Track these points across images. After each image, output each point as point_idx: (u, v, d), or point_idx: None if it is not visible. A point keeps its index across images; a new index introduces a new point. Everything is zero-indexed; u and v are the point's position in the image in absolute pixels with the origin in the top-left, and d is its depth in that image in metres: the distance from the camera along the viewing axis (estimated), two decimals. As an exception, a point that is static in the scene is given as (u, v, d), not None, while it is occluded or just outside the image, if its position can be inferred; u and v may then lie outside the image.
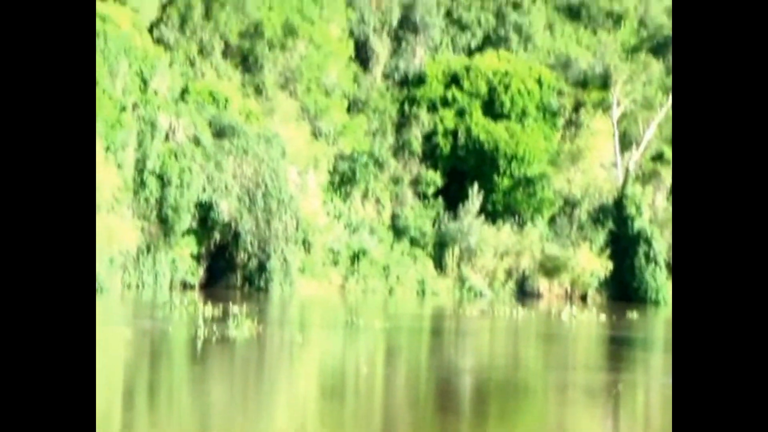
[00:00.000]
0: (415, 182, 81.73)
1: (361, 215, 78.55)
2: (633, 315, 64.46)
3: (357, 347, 43.23)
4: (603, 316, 61.50)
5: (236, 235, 67.70)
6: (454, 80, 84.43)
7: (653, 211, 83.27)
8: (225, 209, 66.88)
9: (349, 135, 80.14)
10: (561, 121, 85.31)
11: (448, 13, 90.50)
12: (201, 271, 68.30)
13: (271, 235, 67.94)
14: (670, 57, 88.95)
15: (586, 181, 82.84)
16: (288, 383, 31.71)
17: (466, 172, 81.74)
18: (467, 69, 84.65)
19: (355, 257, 75.02)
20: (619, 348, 48.44)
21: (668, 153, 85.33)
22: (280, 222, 68.49)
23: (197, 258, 67.93)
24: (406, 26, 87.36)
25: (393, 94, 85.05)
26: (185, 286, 66.55)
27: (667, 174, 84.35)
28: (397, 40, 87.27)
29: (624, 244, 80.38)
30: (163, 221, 64.88)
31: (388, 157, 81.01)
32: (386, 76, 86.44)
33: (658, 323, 66.83)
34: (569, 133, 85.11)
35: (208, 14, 75.10)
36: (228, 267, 68.60)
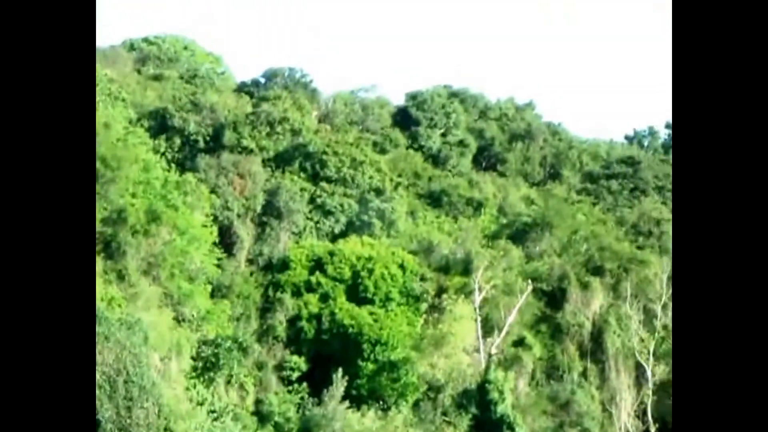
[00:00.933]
0: (280, 367, 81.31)
1: (225, 401, 77.54)
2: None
3: None
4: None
5: (96, 424, 66.08)
6: (318, 265, 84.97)
7: (516, 396, 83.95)
8: (85, 397, 65.36)
9: (212, 320, 79.70)
10: (424, 306, 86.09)
11: (312, 199, 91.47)
12: (58, 463, 66.27)
13: (132, 423, 66.47)
14: (528, 244, 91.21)
15: (450, 366, 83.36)
16: None
17: (330, 356, 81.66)
18: (331, 254, 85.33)
19: (218, 444, 73.71)
20: None
21: (529, 338, 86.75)
22: (142, 409, 67.13)
23: (55, 449, 65.98)
24: (270, 212, 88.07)
25: (257, 279, 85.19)
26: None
27: (528, 359, 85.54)
28: (261, 225, 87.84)
29: (487, 429, 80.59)
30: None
31: (252, 342, 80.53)
32: (250, 261, 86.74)
33: None
34: (432, 317, 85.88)
35: (71, 201, 74.65)
36: (87, 457, 66.69)
